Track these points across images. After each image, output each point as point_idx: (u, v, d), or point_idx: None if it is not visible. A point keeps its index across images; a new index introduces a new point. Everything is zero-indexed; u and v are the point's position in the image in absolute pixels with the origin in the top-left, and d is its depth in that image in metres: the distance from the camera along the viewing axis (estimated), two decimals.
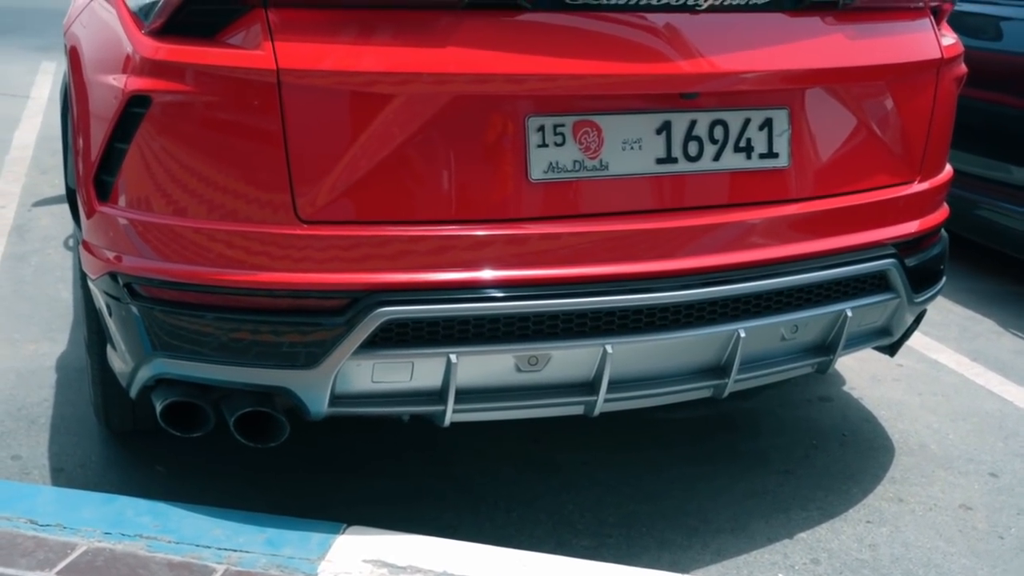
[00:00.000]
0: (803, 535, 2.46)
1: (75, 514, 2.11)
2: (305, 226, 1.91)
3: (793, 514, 2.54)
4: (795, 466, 2.76)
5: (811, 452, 2.83)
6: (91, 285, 2.23)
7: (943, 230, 2.57)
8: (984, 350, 3.58)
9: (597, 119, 1.99)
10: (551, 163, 1.98)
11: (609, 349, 2.02)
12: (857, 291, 2.29)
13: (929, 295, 2.47)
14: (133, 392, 2.18)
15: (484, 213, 1.97)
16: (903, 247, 2.33)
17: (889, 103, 2.27)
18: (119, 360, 2.19)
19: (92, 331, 2.42)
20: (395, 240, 1.94)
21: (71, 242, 4.15)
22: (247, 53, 1.85)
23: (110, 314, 2.13)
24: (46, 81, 7.22)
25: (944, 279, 2.57)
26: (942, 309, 3.93)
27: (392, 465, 2.67)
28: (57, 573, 1.91)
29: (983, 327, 3.79)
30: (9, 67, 7.68)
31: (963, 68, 2.45)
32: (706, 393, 2.26)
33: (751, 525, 2.49)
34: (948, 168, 2.53)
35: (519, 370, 2.04)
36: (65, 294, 3.67)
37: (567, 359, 2.05)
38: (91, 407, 2.75)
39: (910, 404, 3.14)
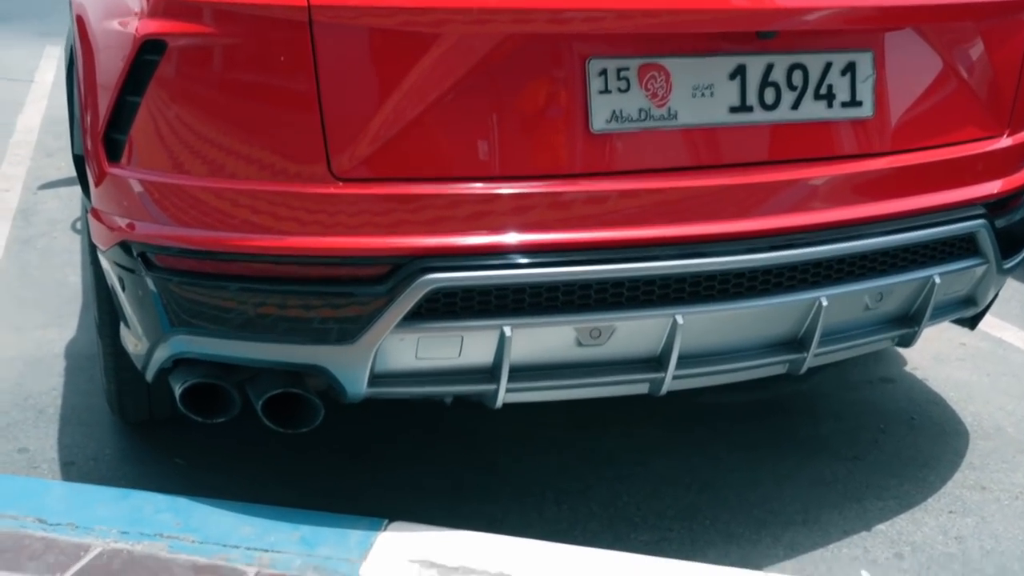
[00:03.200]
0: (882, 527, 2.25)
1: (88, 512, 1.91)
2: (340, 184, 1.70)
3: (868, 504, 2.33)
4: (863, 452, 2.55)
5: (879, 437, 2.62)
6: (102, 259, 2.02)
7: None
8: None
9: (664, 62, 1.78)
10: (614, 112, 1.76)
11: (679, 320, 1.81)
12: (945, 256, 2.07)
13: (1017, 261, 2.25)
14: (149, 375, 1.97)
15: (541, 168, 1.76)
16: (992, 207, 2.12)
17: (979, 48, 2.05)
18: (133, 340, 1.99)
19: (103, 311, 2.22)
20: (441, 199, 1.73)
21: (79, 224, 3.95)
22: None
23: (123, 289, 1.93)
24: (50, 66, 7.01)
25: None
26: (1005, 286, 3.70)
27: (428, 454, 2.47)
28: None
29: None
30: (12, 52, 7.47)
31: None
32: (780, 369, 2.05)
33: (823, 516, 2.28)
34: None
35: (580, 344, 1.83)
36: (73, 278, 3.47)
37: (633, 331, 1.84)
38: (103, 396, 2.55)
39: (979, 385, 2.93)
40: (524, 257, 1.75)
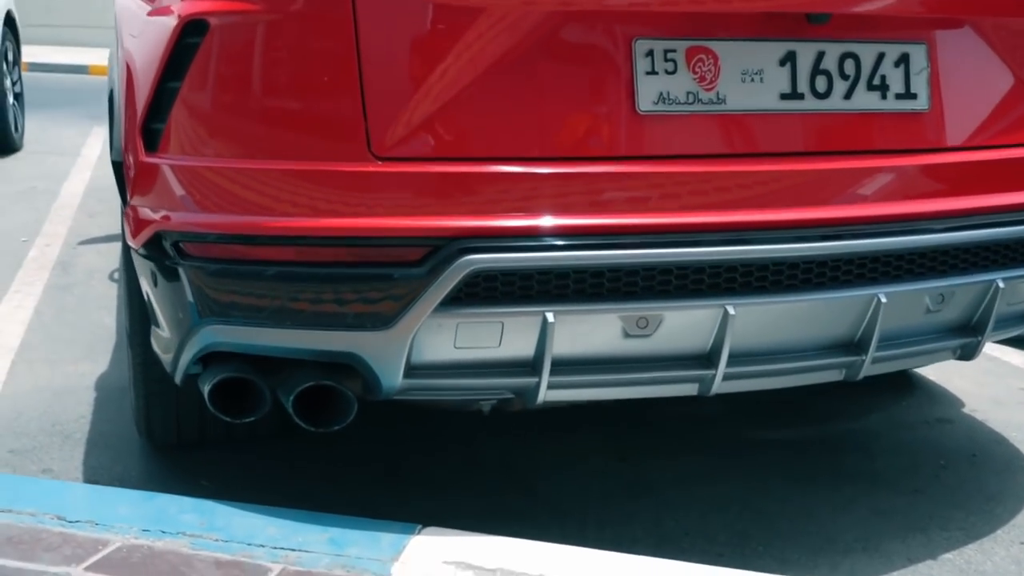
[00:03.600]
0: (948, 556, 2.11)
1: (109, 511, 1.83)
2: (380, 163, 1.66)
3: (932, 534, 2.19)
4: (923, 485, 2.41)
5: (939, 472, 2.48)
6: (135, 259, 1.98)
7: None
8: None
9: (713, 45, 1.74)
10: (661, 93, 1.72)
11: (731, 311, 1.73)
12: (1009, 260, 1.98)
13: None
14: (179, 375, 1.91)
15: (586, 149, 1.71)
16: None
17: None
18: (164, 340, 1.93)
19: (134, 319, 2.17)
20: (482, 180, 1.67)
21: (116, 275, 3.95)
22: None
23: (155, 284, 1.88)
24: (96, 142, 7.18)
25: None
26: None
27: (465, 479, 2.37)
28: (85, 569, 1.62)
29: None
30: (62, 131, 7.68)
31: None
32: (837, 376, 1.94)
33: (884, 545, 2.14)
34: None
35: (626, 335, 1.74)
36: (108, 320, 3.44)
37: (682, 322, 1.76)
38: (131, 423, 2.49)
39: None
40: (567, 240, 1.68)
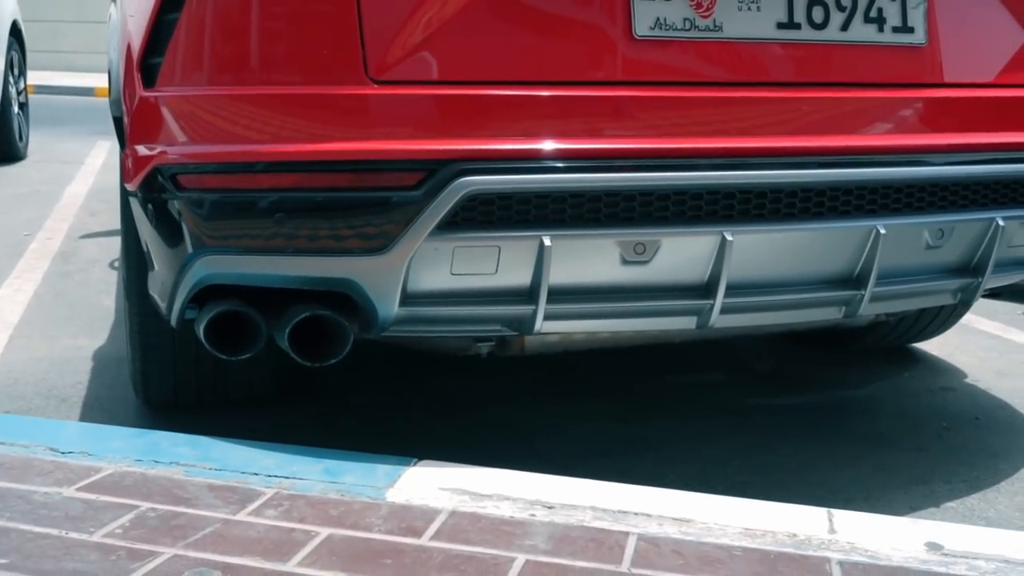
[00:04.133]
0: (951, 504, 2.08)
1: (102, 444, 1.82)
2: (376, 86, 1.66)
3: (936, 486, 2.16)
4: (927, 444, 2.39)
5: (943, 433, 2.46)
6: (132, 204, 1.98)
7: None
8: None
9: None
10: (658, 19, 1.72)
11: (729, 237, 1.72)
12: (1009, 199, 1.97)
13: None
14: (175, 317, 1.89)
15: (583, 73, 1.71)
16: None
17: None
18: (160, 282, 1.92)
19: (131, 267, 2.16)
20: (479, 102, 1.67)
21: (116, 263, 3.95)
22: None
23: (151, 222, 1.87)
24: (100, 152, 7.22)
25: None
26: None
27: (467, 438, 2.35)
28: (77, 489, 1.60)
29: None
30: (66, 144, 7.73)
31: None
32: (836, 313, 1.92)
33: (887, 495, 2.11)
34: None
35: (624, 262, 1.73)
36: (108, 301, 3.44)
37: (680, 249, 1.75)
38: (128, 388, 2.47)
39: None
40: (564, 163, 1.67)
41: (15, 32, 6.75)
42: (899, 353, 3.06)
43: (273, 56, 1.69)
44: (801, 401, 2.67)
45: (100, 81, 12.82)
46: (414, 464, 1.77)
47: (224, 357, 1.86)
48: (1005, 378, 2.88)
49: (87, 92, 12.83)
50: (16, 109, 6.65)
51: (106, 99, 2.59)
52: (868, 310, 1.92)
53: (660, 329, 1.95)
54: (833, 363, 2.98)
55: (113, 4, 2.42)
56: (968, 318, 3.35)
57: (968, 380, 2.86)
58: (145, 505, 1.56)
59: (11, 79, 6.54)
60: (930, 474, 2.22)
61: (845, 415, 2.57)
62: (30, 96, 7.32)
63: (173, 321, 1.91)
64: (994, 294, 2.33)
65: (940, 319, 2.84)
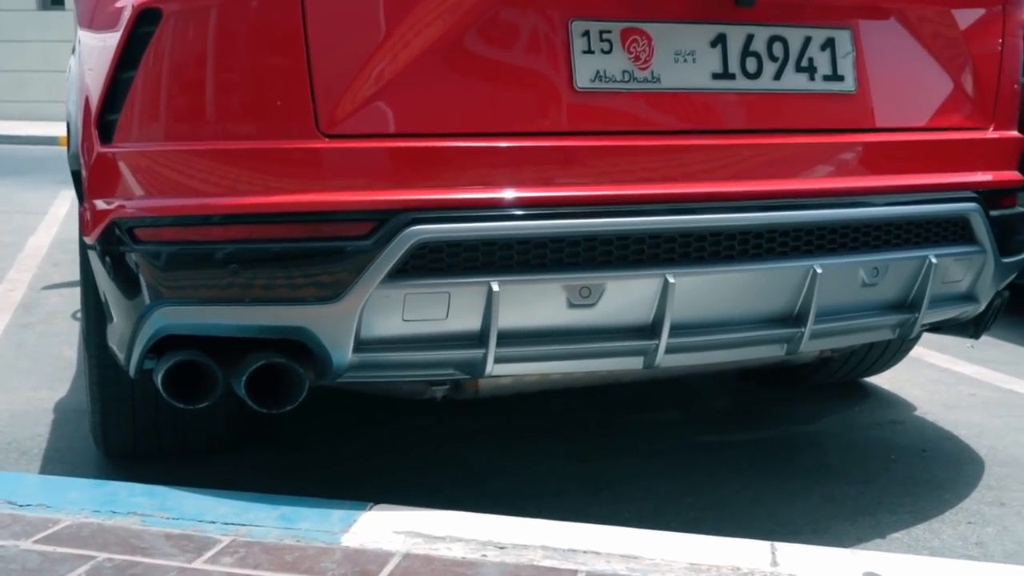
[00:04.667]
0: (897, 535, 2.14)
1: (60, 495, 1.84)
2: (327, 140, 1.72)
3: (882, 517, 2.22)
4: (874, 476, 2.45)
5: (890, 465, 2.53)
6: (91, 257, 2.01)
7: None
8: None
9: (646, 27, 1.82)
10: (598, 71, 1.79)
11: (671, 279, 1.78)
12: (940, 238, 2.05)
13: (1015, 260, 2.23)
14: (133, 367, 1.92)
15: (527, 124, 1.78)
16: (985, 196, 2.11)
17: (956, 37, 2.10)
18: (118, 333, 1.95)
19: (90, 318, 2.19)
20: (428, 154, 1.73)
21: (78, 314, 3.95)
22: None
23: (109, 275, 1.90)
24: (64, 202, 7.22)
25: None
26: (1008, 350, 3.67)
27: (424, 480, 2.38)
28: (34, 542, 1.62)
29: None
30: (31, 194, 7.72)
31: None
32: (779, 350, 1.99)
33: (835, 527, 2.17)
34: (1018, 133, 2.33)
35: (571, 305, 1.79)
36: (69, 353, 3.45)
37: (625, 292, 1.81)
38: (89, 440, 2.49)
39: (992, 425, 2.84)
40: (510, 211, 1.74)
41: None
42: (850, 387, 3.14)
43: (227, 112, 1.74)
44: (753, 437, 2.73)
45: (63, 130, 12.79)
46: (369, 508, 1.80)
47: (182, 406, 1.89)
48: (952, 410, 2.96)
49: (51, 141, 12.80)
50: None
51: (67, 147, 2.62)
52: (809, 347, 1.98)
53: (609, 370, 2.01)
54: (785, 398, 3.05)
55: (73, 56, 2.47)
56: (918, 351, 3.44)
57: (916, 413, 2.94)
58: (102, 555, 1.58)
59: None
60: (876, 505, 2.27)
61: (795, 449, 2.63)
62: None
63: (132, 372, 1.94)
64: (935, 328, 2.41)
65: (889, 353, 2.92)
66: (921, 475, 2.46)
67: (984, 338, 3.70)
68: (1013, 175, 2.23)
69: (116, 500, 1.80)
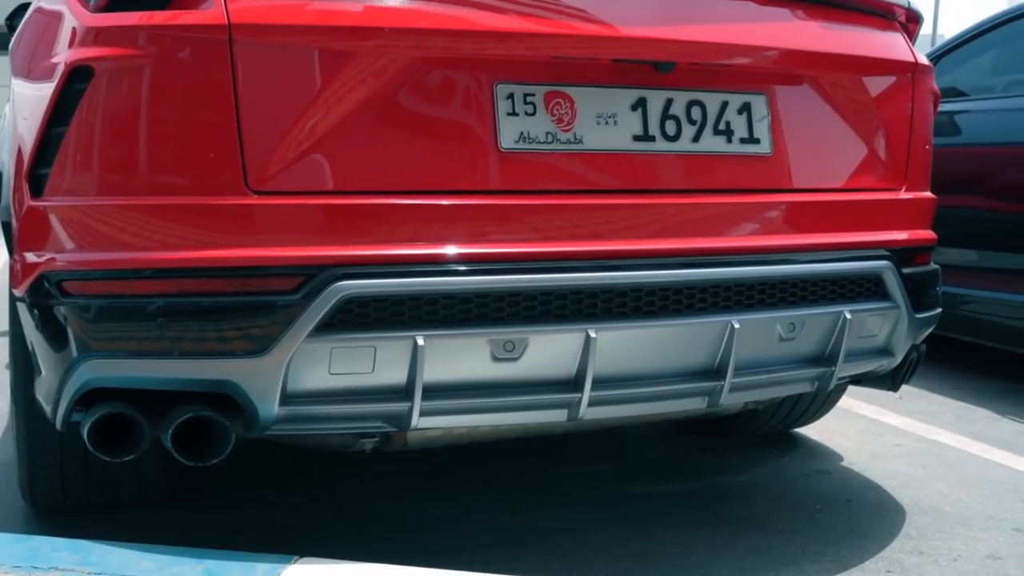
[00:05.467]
0: None
1: None
2: (255, 196, 1.75)
3: (804, 566, 2.27)
4: (799, 527, 2.50)
5: (815, 515, 2.58)
6: (20, 309, 2.02)
7: (936, 266, 2.43)
8: (983, 432, 3.38)
9: (569, 90, 1.89)
10: (522, 133, 1.85)
11: (592, 334, 1.83)
12: (854, 294, 2.13)
13: (929, 315, 2.31)
14: (60, 419, 1.92)
15: (452, 183, 1.82)
16: (898, 255, 2.20)
17: (868, 102, 2.20)
18: (45, 386, 1.95)
19: (18, 371, 2.19)
20: (355, 211, 1.77)
21: (6, 363, 3.90)
22: (197, 13, 1.74)
23: (37, 327, 1.91)
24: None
25: (940, 309, 2.42)
26: (934, 401, 3.76)
27: (354, 534, 2.38)
28: None
29: (979, 414, 3.61)
30: None
31: (936, 87, 2.40)
32: (700, 403, 2.04)
33: None
34: (931, 194, 2.43)
35: (495, 359, 1.83)
36: (1, 404, 3.40)
37: (547, 346, 1.85)
38: (17, 492, 2.46)
39: (916, 475, 2.91)
40: (435, 267, 1.78)
41: None
42: (780, 438, 3.20)
43: (157, 168, 1.76)
44: (684, 487, 2.77)
45: None
46: (294, 562, 1.81)
47: (109, 459, 1.89)
48: (879, 460, 3.03)
49: None
50: None
51: None
52: (729, 400, 2.04)
53: (537, 422, 2.04)
54: (717, 448, 3.10)
55: (8, 105, 2.48)
56: (848, 402, 3.53)
57: (844, 463, 3.01)
58: None
59: None
60: (800, 555, 2.32)
61: (725, 499, 2.68)
62: None
63: (59, 424, 1.94)
64: (855, 381, 2.48)
65: (816, 405, 2.99)
66: (845, 524, 2.52)
67: (912, 389, 3.84)
68: (926, 234, 2.33)
69: (38, 555, 1.79)
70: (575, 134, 1.89)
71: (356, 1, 1.78)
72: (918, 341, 2.37)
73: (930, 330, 2.40)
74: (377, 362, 1.79)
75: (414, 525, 2.45)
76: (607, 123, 1.91)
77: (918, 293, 2.25)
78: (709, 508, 2.60)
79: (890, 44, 2.26)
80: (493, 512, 2.54)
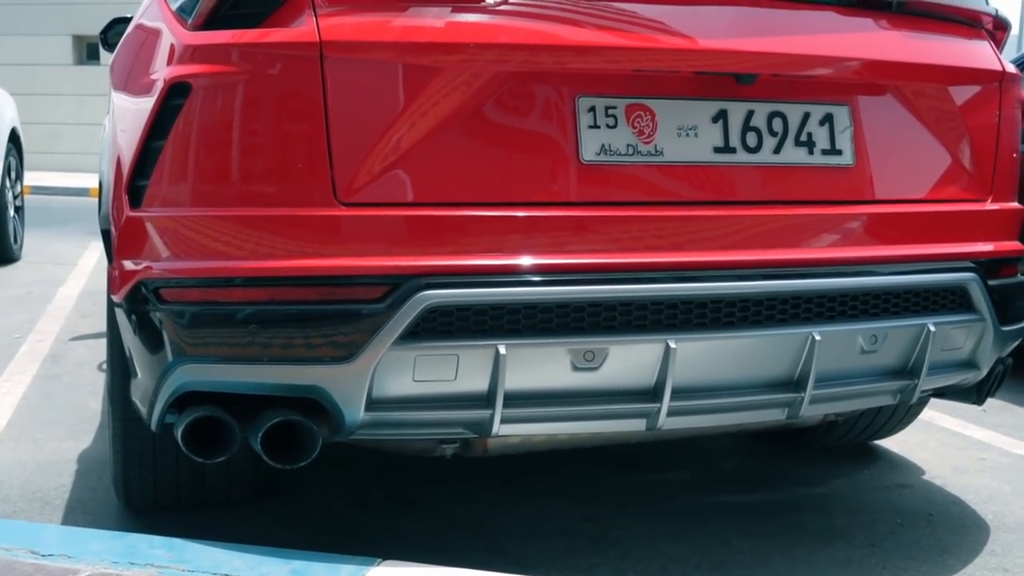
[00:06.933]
0: None
1: (81, 546, 1.90)
2: (344, 208, 1.80)
3: None
4: (879, 540, 2.47)
5: (896, 529, 2.55)
6: (118, 315, 2.10)
7: None
8: None
9: (650, 103, 1.91)
10: (603, 145, 1.88)
11: (672, 344, 1.84)
12: (939, 306, 2.11)
13: (1015, 328, 2.27)
14: (155, 422, 2.00)
15: (535, 195, 1.86)
16: (984, 266, 2.16)
17: (953, 111, 2.17)
18: (141, 388, 2.03)
19: (115, 374, 2.27)
20: (439, 222, 1.82)
21: (104, 365, 4.05)
22: (289, 30, 1.80)
23: (135, 332, 1.99)
24: (94, 255, 7.37)
25: None
26: (1020, 415, 3.67)
27: (433, 538, 2.43)
28: None
29: None
30: (61, 244, 7.89)
31: None
32: (779, 415, 2.04)
33: None
34: (1018, 204, 2.39)
35: (575, 368, 1.85)
36: (95, 404, 3.53)
37: (627, 356, 1.87)
38: (111, 491, 2.56)
39: (1001, 491, 2.86)
40: (518, 277, 1.81)
41: (14, 139, 6.97)
42: (859, 450, 3.16)
43: (249, 180, 1.83)
44: (762, 498, 2.76)
45: (95, 181, 13.05)
46: (378, 564, 1.86)
47: (201, 460, 1.96)
48: (961, 474, 2.98)
49: (82, 192, 13.08)
50: (12, 213, 6.82)
51: (98, 201, 2.73)
52: (809, 412, 2.03)
53: (614, 431, 2.06)
54: (795, 460, 3.08)
55: (108, 116, 2.58)
56: (929, 415, 3.47)
57: (925, 477, 2.96)
58: None
59: (8, 184, 6.73)
60: (880, 569, 2.30)
61: (803, 511, 2.66)
62: (26, 197, 7.52)
63: (153, 426, 2.02)
64: (939, 394, 2.45)
65: (897, 417, 2.95)
66: (926, 540, 2.48)
67: (996, 403, 3.76)
68: (1013, 245, 2.29)
69: (135, 552, 1.87)
70: (656, 146, 1.91)
71: (441, 17, 1.83)
72: (1004, 354, 2.33)
73: (1016, 343, 2.36)
74: (460, 370, 1.82)
75: (492, 530, 2.48)
76: (688, 135, 1.92)
77: (1004, 305, 2.21)
78: (787, 520, 2.59)
79: (976, 53, 2.23)
80: (569, 519, 2.56)
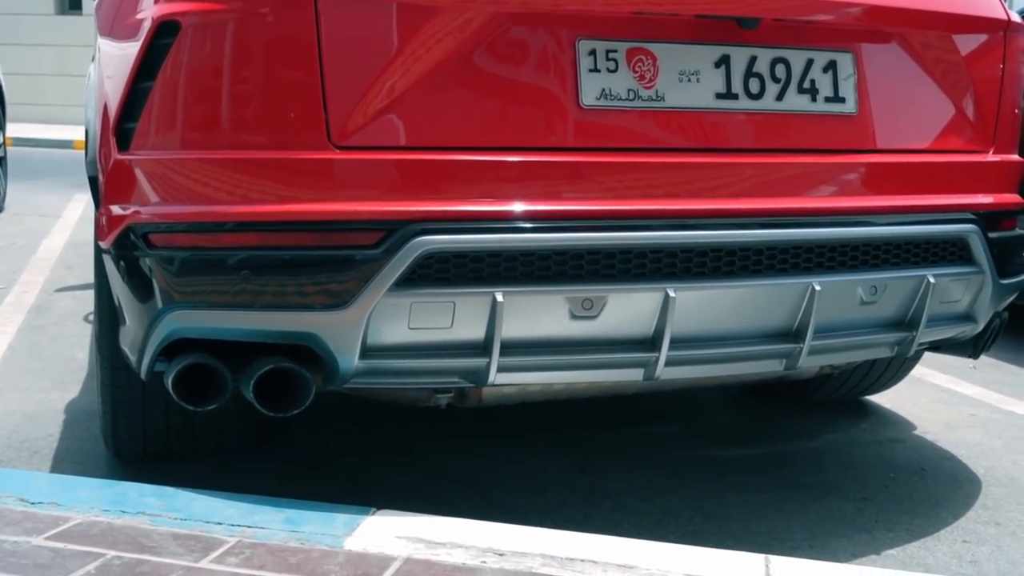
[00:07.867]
0: (892, 552, 2.16)
1: (70, 494, 1.87)
2: (338, 151, 1.76)
3: (878, 534, 2.24)
4: (872, 494, 2.47)
5: (889, 483, 2.55)
6: (106, 261, 2.06)
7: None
8: None
9: (651, 47, 1.87)
10: (603, 90, 1.84)
11: (671, 293, 1.82)
12: (939, 258, 2.09)
13: (1014, 281, 2.26)
14: (144, 370, 1.97)
15: (533, 140, 1.82)
16: (984, 218, 2.14)
17: (957, 61, 2.14)
18: (131, 336, 2.00)
19: (103, 321, 2.24)
20: (436, 167, 1.78)
21: (90, 316, 4.01)
22: None
23: (123, 279, 1.95)
24: (78, 206, 7.30)
25: None
26: (1010, 372, 3.68)
27: (426, 489, 2.42)
28: (46, 539, 1.66)
29: None
30: (45, 197, 7.81)
31: None
32: (777, 365, 2.02)
33: (831, 543, 2.19)
34: (1019, 157, 2.36)
35: (573, 317, 1.83)
36: (81, 355, 3.49)
37: (626, 305, 1.84)
38: (99, 441, 2.53)
39: (991, 446, 2.86)
40: (516, 224, 1.78)
41: None
42: (852, 405, 3.16)
43: (241, 123, 1.78)
44: (754, 452, 2.75)
45: (78, 133, 12.94)
46: (372, 513, 1.84)
47: (192, 408, 1.93)
48: (952, 430, 2.98)
49: (66, 144, 12.93)
50: None
51: (84, 151, 2.68)
52: (808, 363, 2.02)
53: (611, 381, 2.04)
54: (787, 415, 3.08)
55: (92, 63, 2.52)
56: (920, 371, 3.47)
57: (917, 432, 2.96)
58: (111, 553, 1.62)
59: None
60: (873, 523, 2.30)
61: (796, 465, 2.66)
62: (8, 149, 7.42)
63: (143, 374, 1.98)
64: (934, 347, 2.44)
65: (891, 372, 2.94)
66: (919, 493, 2.49)
67: (986, 359, 3.76)
68: (1013, 198, 2.27)
69: (126, 500, 1.84)
70: (657, 91, 1.87)
71: None
72: (1001, 308, 2.32)
73: (1013, 297, 2.34)
74: (456, 317, 1.79)
75: (485, 483, 2.47)
76: (690, 80, 1.88)
77: (1004, 258, 2.20)
78: (780, 473, 2.58)
79: (981, 1, 2.19)
80: (562, 472, 2.55)
